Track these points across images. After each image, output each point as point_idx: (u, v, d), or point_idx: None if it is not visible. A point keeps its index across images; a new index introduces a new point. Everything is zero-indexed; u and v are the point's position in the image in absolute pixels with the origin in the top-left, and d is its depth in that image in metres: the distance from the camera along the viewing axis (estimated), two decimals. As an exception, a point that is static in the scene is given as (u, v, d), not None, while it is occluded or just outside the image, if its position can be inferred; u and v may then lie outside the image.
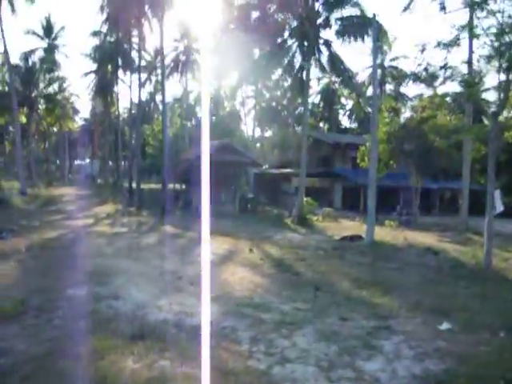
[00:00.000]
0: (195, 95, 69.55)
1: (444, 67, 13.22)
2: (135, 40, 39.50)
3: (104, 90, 54.53)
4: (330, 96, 68.95)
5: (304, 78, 25.31)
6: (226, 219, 25.30)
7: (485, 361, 5.74)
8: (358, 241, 17.45)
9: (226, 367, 5.66)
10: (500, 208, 12.78)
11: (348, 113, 73.51)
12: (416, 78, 14.27)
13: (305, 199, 25.51)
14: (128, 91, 51.02)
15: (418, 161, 24.91)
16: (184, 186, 38.52)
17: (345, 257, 14.17)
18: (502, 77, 12.60)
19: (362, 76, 59.28)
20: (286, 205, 32.67)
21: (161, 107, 69.24)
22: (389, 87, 61.41)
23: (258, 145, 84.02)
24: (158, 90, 76.11)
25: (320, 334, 7.03)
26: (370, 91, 64.75)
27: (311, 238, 19.04)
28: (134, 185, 35.24)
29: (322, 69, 26.57)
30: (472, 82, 13.57)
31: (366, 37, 23.76)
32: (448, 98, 31.83)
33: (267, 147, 78.41)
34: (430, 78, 14.26)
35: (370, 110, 29.78)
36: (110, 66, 52.27)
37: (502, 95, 12.40)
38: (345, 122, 77.10)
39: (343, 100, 73.00)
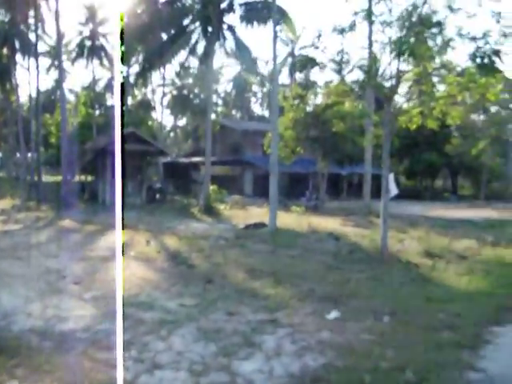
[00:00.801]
0: (105, 82, 66.68)
1: (340, 53, 13.12)
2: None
3: (1, 76, 50.47)
4: (241, 84, 68.69)
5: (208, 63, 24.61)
6: (131, 211, 24.15)
7: (363, 351, 5.47)
8: (261, 228, 17.18)
9: (85, 380, 4.97)
10: (394, 191, 12.93)
11: (260, 101, 73.80)
12: (314, 63, 14.07)
13: (211, 188, 24.96)
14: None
15: (323, 147, 25.12)
16: (90, 178, 36.74)
17: (245, 246, 13.77)
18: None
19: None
20: (196, 194, 32.04)
21: (69, 95, 66.21)
22: (299, 75, 62.25)
23: (173, 134, 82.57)
24: (65, 77, 72.33)
25: (201, 332, 6.49)
26: (284, 79, 65.52)
27: (216, 227, 18.54)
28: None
29: (228, 55, 26.06)
30: (369, 68, 13.55)
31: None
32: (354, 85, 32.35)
33: (181, 136, 77.14)
34: (337, 66, 14.16)
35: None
36: (6, 50, 48.37)
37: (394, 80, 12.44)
38: (257, 109, 77.50)
39: (255, 88, 73.28)
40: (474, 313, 6.72)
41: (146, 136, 31.39)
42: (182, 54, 26.25)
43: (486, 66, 9.77)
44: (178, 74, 67.63)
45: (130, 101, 69.84)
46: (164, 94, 65.98)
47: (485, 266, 10.57)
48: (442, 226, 18.30)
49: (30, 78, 38.58)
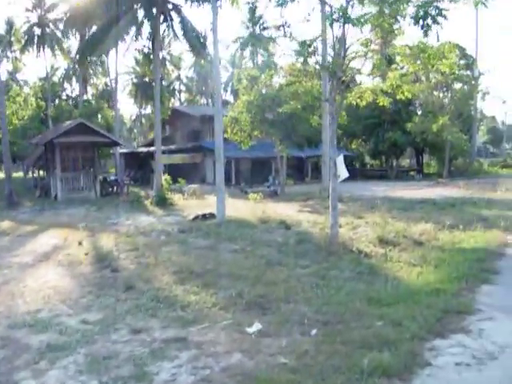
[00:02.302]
0: (62, 72, 64.08)
1: (281, 26, 11.89)
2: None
3: None
4: (203, 69, 66.77)
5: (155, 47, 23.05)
6: (80, 206, 22.81)
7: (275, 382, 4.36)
8: (210, 219, 16.01)
9: None
10: (344, 174, 11.84)
11: (223, 85, 71.94)
12: (256, 41, 12.80)
13: (164, 178, 23.61)
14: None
15: (279, 129, 23.96)
16: (42, 174, 34.87)
17: (186, 241, 12.55)
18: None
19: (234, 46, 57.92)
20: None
21: (25, 87, 63.27)
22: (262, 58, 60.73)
23: (139, 123, 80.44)
24: (19, 68, 69.29)
25: (90, 360, 5.30)
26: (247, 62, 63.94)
27: (164, 220, 17.29)
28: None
29: (176, 37, 24.56)
30: (311, 42, 12.39)
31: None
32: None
33: (146, 125, 75.01)
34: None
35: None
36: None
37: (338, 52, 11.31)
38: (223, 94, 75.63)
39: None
40: (417, 320, 5.67)
41: (97, 126, 29.60)
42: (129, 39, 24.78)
43: (430, 28, 8.69)
44: (137, 61, 65.73)
45: (90, 91, 67.82)
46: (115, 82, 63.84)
47: (439, 254, 9.61)
48: (402, 208, 17.40)
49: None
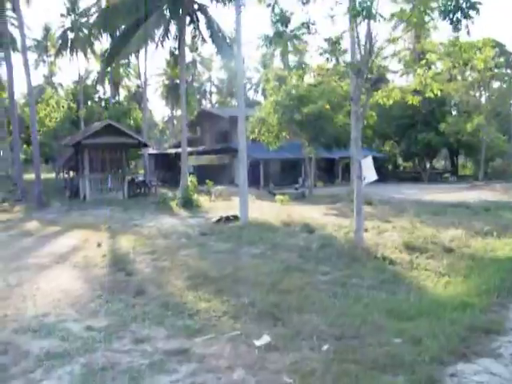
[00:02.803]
0: (95, 75, 65.06)
1: (306, 24, 11.49)
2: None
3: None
4: (232, 70, 66.75)
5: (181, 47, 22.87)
6: (106, 207, 22.85)
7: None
8: (234, 221, 15.68)
9: None
10: (372, 177, 11.30)
11: (254, 86, 71.69)
12: (280, 38, 12.48)
13: (190, 179, 23.42)
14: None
15: (308, 130, 23.44)
16: (72, 174, 35.26)
17: (206, 244, 12.25)
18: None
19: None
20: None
21: (60, 90, 64.51)
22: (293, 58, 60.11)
23: (171, 124, 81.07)
24: (55, 72, 70.78)
25: (85, 372, 5.01)
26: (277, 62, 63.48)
27: (187, 222, 17.06)
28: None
29: (203, 38, 24.38)
30: (336, 39, 11.93)
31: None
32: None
33: (177, 126, 75.43)
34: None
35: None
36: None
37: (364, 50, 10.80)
38: (253, 95, 75.40)
39: (249, 73, 71.28)
40: (439, 338, 5.10)
41: (124, 127, 29.67)
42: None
43: (460, 23, 8.08)
44: (168, 63, 66.17)
45: (122, 93, 68.69)
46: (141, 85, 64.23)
47: (470, 262, 8.99)
48: (433, 212, 16.63)
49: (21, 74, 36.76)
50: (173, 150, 42.37)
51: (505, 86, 36.25)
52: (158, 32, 22.47)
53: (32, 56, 63.42)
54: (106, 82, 62.79)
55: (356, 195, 10.81)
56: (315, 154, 25.19)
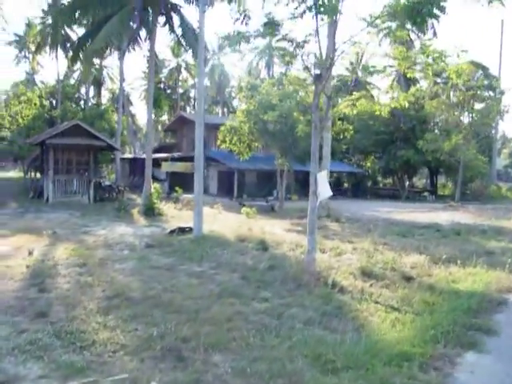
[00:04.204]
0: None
1: (270, 24, 10.49)
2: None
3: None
4: (219, 77, 65.85)
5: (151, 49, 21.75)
6: (66, 211, 21.63)
7: None
8: (188, 233, 14.58)
9: None
10: (326, 193, 10.31)
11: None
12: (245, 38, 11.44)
13: (153, 186, 22.28)
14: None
15: (280, 142, 22.45)
16: (38, 175, 33.90)
17: (147, 258, 11.11)
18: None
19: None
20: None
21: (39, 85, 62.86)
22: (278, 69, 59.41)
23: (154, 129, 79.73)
24: (36, 69, 69.12)
25: None
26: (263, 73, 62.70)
27: (141, 231, 15.89)
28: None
29: (179, 41, 23.36)
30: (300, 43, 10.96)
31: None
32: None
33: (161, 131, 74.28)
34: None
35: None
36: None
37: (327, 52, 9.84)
38: (238, 104, 74.50)
39: (234, 82, 70.43)
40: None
41: (94, 129, 28.47)
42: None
43: (425, 23, 7.14)
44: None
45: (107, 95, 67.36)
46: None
47: (427, 295, 7.95)
48: (401, 232, 15.67)
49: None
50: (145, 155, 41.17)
51: (484, 106, 35.79)
52: (127, 31, 21.31)
53: (13, 51, 62.18)
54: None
55: (309, 212, 9.77)
56: (288, 166, 24.15)
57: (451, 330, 5.98)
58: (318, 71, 10.06)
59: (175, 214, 21.23)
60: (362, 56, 33.14)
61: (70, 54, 41.59)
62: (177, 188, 27.79)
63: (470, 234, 15.72)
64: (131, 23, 21.09)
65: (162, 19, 23.06)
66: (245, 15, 10.73)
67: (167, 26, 23.33)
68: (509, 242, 14.34)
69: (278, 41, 10.51)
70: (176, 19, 22.69)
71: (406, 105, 10.52)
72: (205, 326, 6.34)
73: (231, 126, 23.58)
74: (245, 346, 5.70)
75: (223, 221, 19.03)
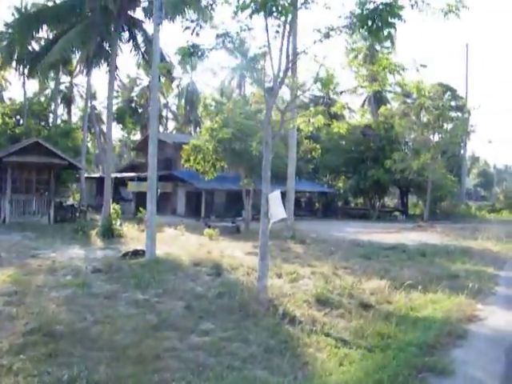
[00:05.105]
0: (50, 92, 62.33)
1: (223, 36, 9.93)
2: None
3: None
4: (191, 96, 65.20)
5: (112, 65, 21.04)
6: (21, 232, 20.59)
7: None
8: (141, 256, 13.79)
9: None
10: (279, 215, 9.67)
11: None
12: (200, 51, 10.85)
13: (113, 206, 21.39)
14: None
15: (245, 161, 21.87)
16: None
17: (90, 284, 10.29)
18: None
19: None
20: (123, 211, 28.33)
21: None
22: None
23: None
24: (5, 87, 67.46)
25: None
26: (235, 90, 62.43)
27: (94, 254, 15.04)
28: None
29: (143, 57, 22.80)
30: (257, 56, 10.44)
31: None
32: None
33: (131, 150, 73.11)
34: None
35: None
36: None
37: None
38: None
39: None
40: None
41: (55, 147, 27.43)
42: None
43: (382, 32, 6.62)
44: (124, 85, 64.32)
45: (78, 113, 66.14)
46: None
47: (383, 326, 7.30)
48: (365, 255, 15.10)
49: None
50: (117, 175, 40.19)
51: (453, 126, 36.04)
52: (87, 45, 20.56)
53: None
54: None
55: (260, 236, 9.14)
56: (253, 187, 23.54)
57: (400, 373, 5.29)
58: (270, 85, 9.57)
59: (135, 236, 20.33)
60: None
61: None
62: (141, 208, 26.89)
63: (435, 256, 15.25)
64: (92, 38, 20.35)
65: (126, 35, 22.58)
66: (196, 24, 10.12)
67: (131, 41, 22.80)
68: (474, 264, 13.92)
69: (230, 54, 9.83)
70: (139, 35, 22.12)
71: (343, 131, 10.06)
72: (127, 367, 5.58)
73: (195, 145, 22.94)
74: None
75: (183, 242, 18.28)
